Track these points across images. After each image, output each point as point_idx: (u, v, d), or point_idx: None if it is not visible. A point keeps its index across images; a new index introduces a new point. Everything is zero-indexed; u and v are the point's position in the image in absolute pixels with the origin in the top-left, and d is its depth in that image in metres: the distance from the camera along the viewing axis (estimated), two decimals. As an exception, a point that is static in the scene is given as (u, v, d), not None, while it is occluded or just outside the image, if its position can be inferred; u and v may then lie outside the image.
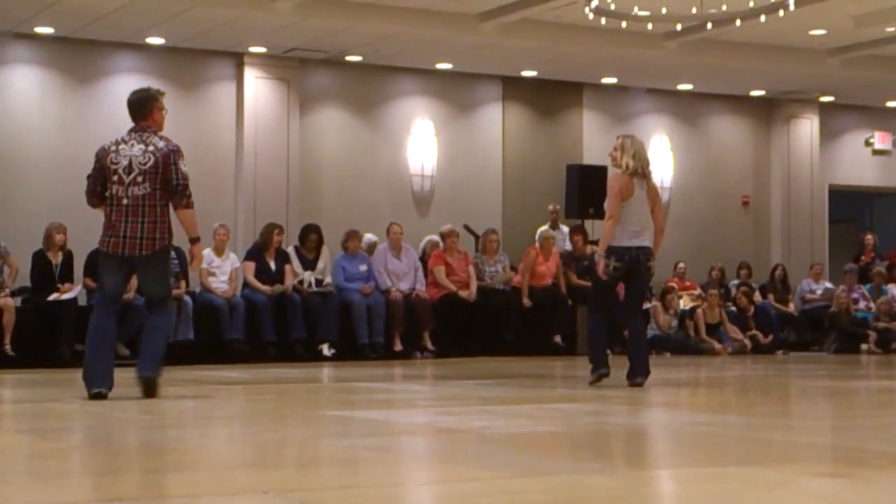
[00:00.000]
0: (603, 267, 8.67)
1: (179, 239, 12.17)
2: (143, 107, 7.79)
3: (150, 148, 7.62)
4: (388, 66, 15.90)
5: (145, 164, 7.58)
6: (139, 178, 7.56)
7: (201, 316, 12.96)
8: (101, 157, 7.68)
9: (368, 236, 14.54)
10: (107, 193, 7.65)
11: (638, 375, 8.67)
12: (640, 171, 8.72)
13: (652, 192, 8.83)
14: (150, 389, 7.57)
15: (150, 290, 7.82)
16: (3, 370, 11.34)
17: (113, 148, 7.67)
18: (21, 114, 14.29)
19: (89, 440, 5.77)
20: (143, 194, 7.56)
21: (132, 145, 7.64)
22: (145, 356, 7.69)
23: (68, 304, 12.33)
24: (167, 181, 7.60)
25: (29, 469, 4.64)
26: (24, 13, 13.37)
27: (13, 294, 12.55)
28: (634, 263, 8.68)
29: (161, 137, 7.73)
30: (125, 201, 7.56)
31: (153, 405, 7.26)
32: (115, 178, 7.58)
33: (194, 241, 7.91)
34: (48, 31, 14.01)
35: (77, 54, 14.46)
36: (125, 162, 7.59)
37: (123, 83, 14.67)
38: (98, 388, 7.46)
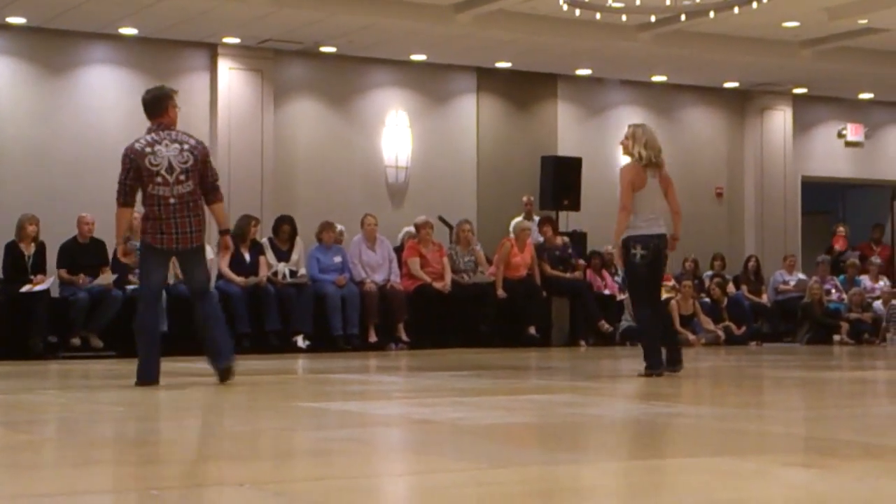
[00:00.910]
0: (625, 257, 8.66)
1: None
2: (160, 104, 8.01)
3: (186, 147, 7.89)
4: (363, 58, 15.88)
5: (186, 163, 7.84)
6: (182, 177, 7.82)
7: (175, 307, 12.88)
8: (137, 158, 7.78)
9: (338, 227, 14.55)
10: (147, 192, 7.81)
11: (677, 363, 8.71)
12: (654, 161, 8.73)
13: (665, 179, 8.83)
14: (229, 376, 7.94)
15: (199, 278, 8.11)
16: (-24, 362, 11.28)
17: (148, 150, 7.80)
18: (-7, 104, 14.20)
19: (62, 432, 5.75)
20: (188, 191, 7.86)
21: (166, 145, 7.84)
22: (222, 347, 7.99)
23: (41, 296, 12.27)
24: (203, 177, 7.92)
25: (1, 461, 4.62)
26: (-4, 3, 13.29)
27: (-15, 286, 12.49)
28: (656, 251, 8.71)
29: (189, 135, 8.02)
30: (172, 200, 7.81)
31: (126, 396, 7.24)
32: (159, 179, 7.78)
33: (225, 232, 8.27)
34: (20, 21, 13.92)
35: (50, 44, 14.38)
36: (165, 163, 7.80)
37: (96, 74, 14.65)
38: (151, 380, 7.84)
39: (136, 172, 7.78)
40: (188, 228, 7.88)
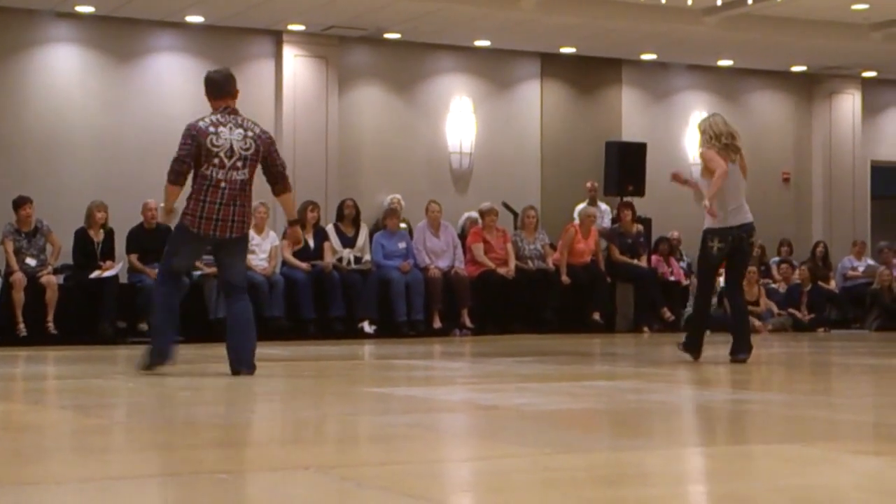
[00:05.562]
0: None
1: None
2: (228, 84, 7.77)
3: (250, 134, 7.61)
4: (427, 44, 15.88)
5: (247, 150, 7.56)
6: (239, 164, 7.53)
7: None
8: (199, 136, 7.51)
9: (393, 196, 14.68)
10: (199, 173, 7.52)
11: (741, 352, 8.73)
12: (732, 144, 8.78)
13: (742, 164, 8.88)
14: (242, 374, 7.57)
15: (236, 273, 7.74)
16: (46, 347, 11.45)
17: (212, 129, 7.54)
18: (62, 92, 14.37)
19: (131, 416, 5.82)
20: (242, 179, 7.55)
21: (231, 129, 7.57)
22: (241, 356, 7.58)
23: (110, 282, 12.43)
24: (266, 167, 7.66)
25: (72, 445, 4.69)
26: (65, -8, 13.45)
27: (55, 271, 12.65)
28: (738, 241, 8.76)
29: (255, 123, 7.75)
30: (223, 185, 7.50)
31: (193, 381, 7.32)
32: (216, 161, 7.50)
33: (294, 223, 8.14)
34: (89, 9, 14.07)
35: (118, 33, 14.52)
36: (227, 146, 7.52)
37: (163, 61, 14.78)
38: (163, 361, 7.65)
39: (195, 151, 7.50)
40: (231, 217, 7.52)
